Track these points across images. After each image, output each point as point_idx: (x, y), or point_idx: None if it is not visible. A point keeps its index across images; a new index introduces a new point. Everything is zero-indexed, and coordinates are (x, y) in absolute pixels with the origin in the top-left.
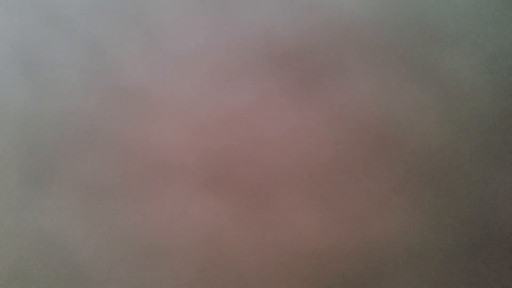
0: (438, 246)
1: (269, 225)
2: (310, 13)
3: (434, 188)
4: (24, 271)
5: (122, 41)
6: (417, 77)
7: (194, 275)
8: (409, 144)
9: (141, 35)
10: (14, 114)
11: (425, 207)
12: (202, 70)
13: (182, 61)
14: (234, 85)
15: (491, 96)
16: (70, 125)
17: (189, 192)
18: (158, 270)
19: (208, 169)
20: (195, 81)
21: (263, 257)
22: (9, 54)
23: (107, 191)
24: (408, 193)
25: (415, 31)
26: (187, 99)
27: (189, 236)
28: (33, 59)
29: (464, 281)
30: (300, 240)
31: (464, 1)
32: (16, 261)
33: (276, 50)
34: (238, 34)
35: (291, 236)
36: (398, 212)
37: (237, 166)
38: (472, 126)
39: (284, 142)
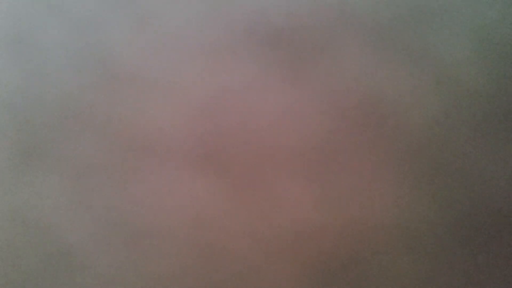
0: (432, 224)
1: (262, 204)
2: None
3: (428, 167)
4: (11, 250)
5: (113, 22)
6: (409, 56)
7: (185, 255)
8: (403, 123)
9: (132, 15)
10: (3, 94)
11: (418, 186)
12: (195, 50)
13: (174, 41)
14: (226, 66)
15: (484, 75)
16: (60, 105)
17: (181, 172)
18: (147, 250)
19: (200, 149)
20: (187, 61)
21: (255, 236)
22: None
23: (96, 171)
24: (402, 172)
25: (407, 11)
26: (179, 79)
27: (180, 216)
28: (23, 41)
29: (458, 259)
30: (292, 219)
31: None
32: (2, 241)
33: (269, 30)
34: (231, 15)
35: (284, 215)
36: (392, 191)
37: (229, 146)
38: (464, 103)
39: (276, 122)
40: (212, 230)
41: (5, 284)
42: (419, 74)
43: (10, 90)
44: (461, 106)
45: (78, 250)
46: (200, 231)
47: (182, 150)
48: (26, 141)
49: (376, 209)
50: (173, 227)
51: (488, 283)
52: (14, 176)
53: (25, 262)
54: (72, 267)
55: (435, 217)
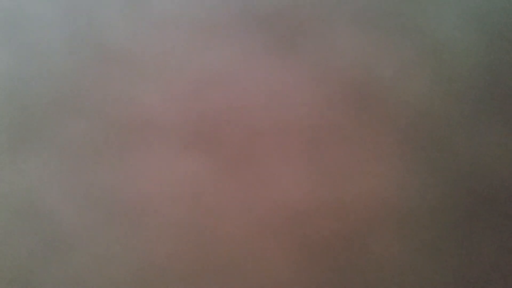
0: (426, 204)
1: (255, 183)
2: None
3: (421, 147)
4: (3, 231)
5: (106, 3)
6: (401, 34)
7: (178, 234)
8: (396, 100)
9: None
10: None
11: (413, 164)
12: (186, 31)
13: (166, 22)
14: (218, 46)
15: (478, 53)
16: (52, 86)
17: (173, 152)
18: (141, 231)
19: (192, 129)
20: (178, 42)
21: (247, 216)
22: None
23: (89, 152)
24: (397, 149)
25: None
26: (170, 60)
27: (173, 195)
28: (15, 22)
29: (449, 239)
30: (286, 198)
31: None
32: None
33: (259, 10)
34: None
35: (276, 195)
36: (386, 169)
37: (221, 125)
38: (460, 82)
39: (269, 101)
40: (205, 209)
41: None
42: (412, 52)
43: (2, 73)
44: (456, 83)
45: (72, 231)
46: (193, 210)
47: (175, 130)
48: (18, 123)
49: (370, 187)
50: (166, 207)
51: (482, 262)
52: (7, 158)
53: (19, 243)
54: (66, 247)
55: (430, 196)
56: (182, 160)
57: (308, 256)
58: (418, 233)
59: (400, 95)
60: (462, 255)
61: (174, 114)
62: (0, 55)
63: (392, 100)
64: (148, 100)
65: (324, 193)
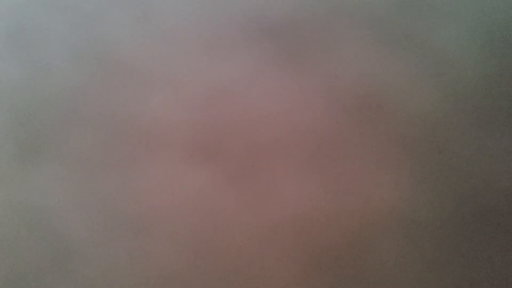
0: (431, 213)
1: (259, 194)
2: None
3: (426, 157)
4: (12, 243)
5: (114, 16)
6: (408, 46)
7: (184, 246)
8: (401, 113)
9: (133, 10)
10: (4, 89)
11: (417, 176)
12: (194, 44)
13: (174, 35)
14: (225, 59)
15: (484, 65)
16: (60, 98)
17: (180, 163)
18: (148, 242)
19: (198, 141)
20: (186, 54)
21: (253, 226)
22: None
23: (97, 164)
24: (401, 161)
25: (404, 1)
26: (178, 72)
27: (179, 207)
28: (23, 34)
29: (452, 249)
30: (289, 209)
31: None
32: (3, 233)
33: (267, 23)
34: (230, 8)
35: (281, 205)
36: (388, 181)
37: (227, 137)
38: (463, 94)
39: (275, 113)
40: (211, 220)
41: (7, 275)
42: (418, 64)
43: (11, 85)
44: (461, 96)
45: (79, 242)
46: (200, 221)
47: (182, 142)
48: (27, 135)
49: (374, 198)
50: (172, 218)
51: (485, 271)
52: (16, 170)
53: (25, 255)
54: (72, 259)
55: (434, 206)
56: (188, 171)
57: (313, 266)
58: (423, 243)
59: (405, 107)
60: (466, 264)
61: (181, 126)
62: (10, 67)
63: (397, 112)
64: (155, 112)
65: (328, 204)
